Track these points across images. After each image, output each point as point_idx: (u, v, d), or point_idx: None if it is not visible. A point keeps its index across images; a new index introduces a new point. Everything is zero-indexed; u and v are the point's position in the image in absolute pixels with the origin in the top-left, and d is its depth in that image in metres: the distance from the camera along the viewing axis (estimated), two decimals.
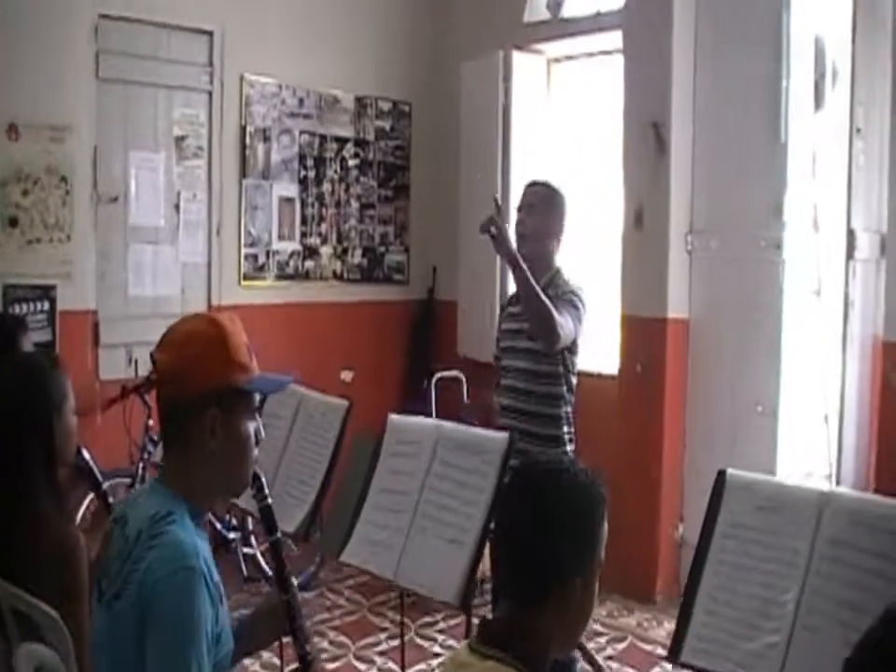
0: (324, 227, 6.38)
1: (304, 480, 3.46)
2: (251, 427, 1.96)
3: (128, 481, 4.92)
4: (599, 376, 5.74)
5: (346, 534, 3.12)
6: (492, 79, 6.10)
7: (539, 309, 3.49)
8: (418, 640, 5.09)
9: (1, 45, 4.98)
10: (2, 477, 2.37)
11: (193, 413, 1.88)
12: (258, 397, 2.01)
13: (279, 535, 2.26)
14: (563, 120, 6.34)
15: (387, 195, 6.69)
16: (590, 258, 6.13)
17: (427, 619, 5.35)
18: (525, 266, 3.48)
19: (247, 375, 1.93)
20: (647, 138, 5.40)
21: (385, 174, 6.65)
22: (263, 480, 2.22)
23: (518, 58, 6.12)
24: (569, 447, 3.77)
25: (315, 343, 6.22)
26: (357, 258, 6.56)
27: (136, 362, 5.43)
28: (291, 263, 6.25)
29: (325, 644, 5.05)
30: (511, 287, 4.11)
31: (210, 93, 5.83)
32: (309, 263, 6.33)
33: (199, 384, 1.88)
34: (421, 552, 2.87)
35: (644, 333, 5.48)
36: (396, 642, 5.08)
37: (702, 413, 5.45)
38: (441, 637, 5.20)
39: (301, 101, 6.19)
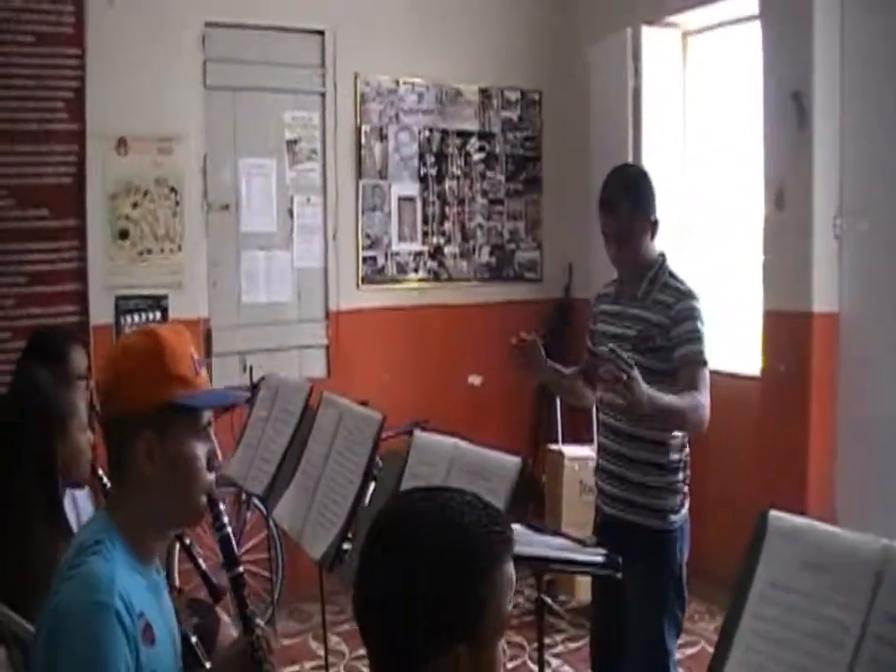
0: (447, 225, 6.03)
1: (337, 500, 3.15)
2: (198, 448, 1.75)
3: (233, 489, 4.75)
4: (739, 377, 5.17)
5: None
6: (620, 60, 5.57)
7: (684, 421, 3.05)
8: None
9: (109, 61, 4.89)
10: None
11: (127, 436, 1.70)
12: (207, 415, 1.78)
13: (240, 569, 2.02)
14: (700, 99, 5.72)
15: (517, 189, 6.25)
16: (731, 247, 5.53)
17: (547, 640, 4.93)
18: (661, 400, 2.91)
19: (188, 390, 1.73)
20: (787, 110, 4.76)
21: (513, 167, 6.22)
22: (222, 507, 2.02)
23: (649, 33, 5.54)
24: (682, 475, 3.23)
25: (441, 346, 5.89)
26: (484, 256, 6.17)
27: (251, 370, 5.26)
28: (413, 265, 5.93)
29: None
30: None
31: (323, 94, 5.58)
32: (432, 264, 6.00)
33: (131, 402, 1.70)
34: None
35: (788, 329, 4.84)
36: (509, 664, 4.74)
37: (855, 418, 4.74)
38: (555, 662, 4.79)
39: (419, 96, 5.86)
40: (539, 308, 6.25)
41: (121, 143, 4.97)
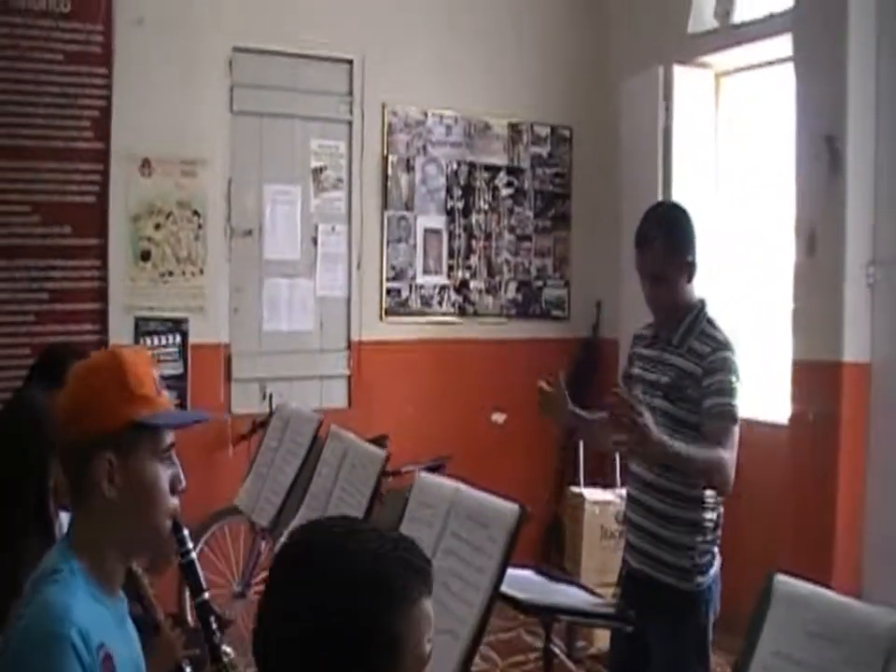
0: (473, 260, 5.90)
1: None
2: (160, 470, 1.67)
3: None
4: (767, 424, 4.98)
5: None
6: (651, 98, 5.44)
7: (705, 473, 2.84)
8: None
9: (136, 81, 4.84)
10: None
11: (87, 457, 1.62)
12: (169, 437, 1.70)
13: (206, 595, 1.97)
14: (732, 140, 5.58)
15: (545, 226, 6.11)
16: (761, 291, 5.36)
17: None
18: (675, 449, 2.74)
19: (150, 410, 1.65)
20: (820, 154, 4.61)
21: (542, 203, 6.09)
22: (186, 532, 1.95)
23: (681, 73, 5.41)
24: (709, 536, 3.00)
25: (465, 382, 5.74)
26: (510, 292, 6.03)
27: (270, 397, 5.16)
28: (438, 298, 5.80)
29: None
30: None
31: (350, 123, 5.50)
32: (457, 298, 5.86)
33: (90, 424, 1.62)
34: None
35: (817, 379, 4.64)
36: None
37: (886, 472, 4.54)
38: None
39: (448, 128, 5.75)
40: (565, 347, 6.08)
41: (145, 164, 4.91)
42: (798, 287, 4.76)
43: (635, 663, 3.02)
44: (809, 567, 4.32)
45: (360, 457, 3.20)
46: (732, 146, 5.58)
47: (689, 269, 3.01)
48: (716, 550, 3.02)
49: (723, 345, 2.93)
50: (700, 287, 5.31)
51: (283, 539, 1.37)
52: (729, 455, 2.79)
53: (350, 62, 5.46)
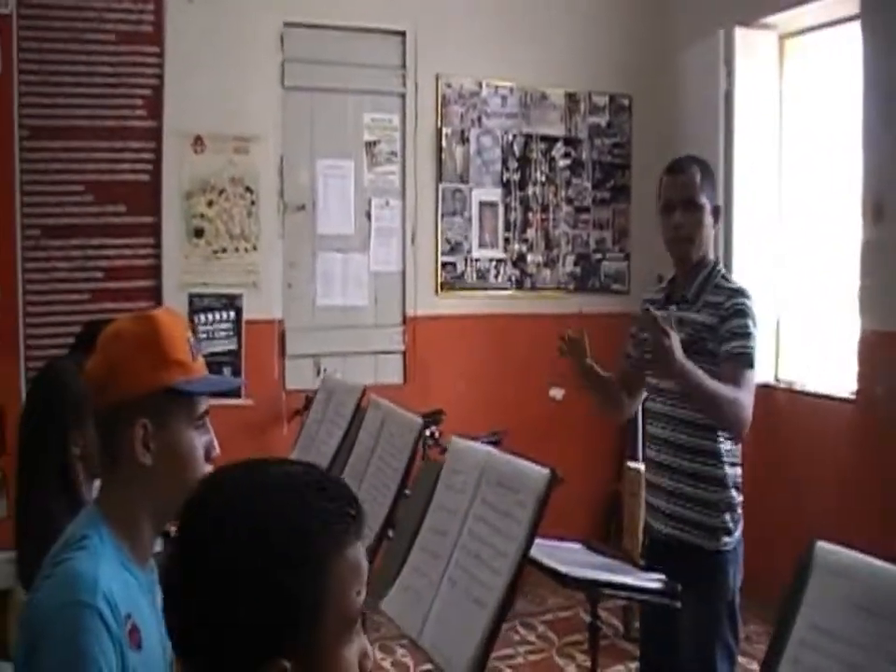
0: (530, 233, 5.68)
1: (374, 507, 2.89)
2: (195, 437, 1.61)
3: None
4: (832, 398, 4.72)
5: (395, 577, 2.48)
6: (712, 63, 5.15)
7: (719, 408, 2.76)
8: None
9: (187, 59, 4.76)
10: (21, 478, 2.26)
11: (121, 425, 1.55)
12: (204, 403, 1.63)
13: None
14: (798, 104, 5.25)
15: (604, 197, 5.86)
16: (827, 260, 5.05)
17: (619, 667, 4.56)
18: (696, 375, 2.70)
19: (186, 375, 1.59)
20: (889, 116, 4.32)
21: (601, 174, 5.83)
22: None
23: (742, 35, 5.10)
24: (735, 492, 2.92)
25: (522, 357, 5.54)
26: (568, 266, 5.80)
27: (324, 373, 5.04)
28: (494, 272, 5.61)
29: None
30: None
31: (403, 96, 5.32)
32: (514, 272, 5.66)
33: (125, 389, 1.55)
34: (446, 609, 2.20)
35: (885, 350, 4.38)
36: None
37: None
38: None
39: (503, 99, 5.53)
40: (625, 321, 5.78)
41: (198, 141, 4.82)
42: (865, 257, 4.51)
43: (665, 631, 2.91)
44: (871, 541, 4.09)
45: (398, 425, 3.08)
46: (796, 111, 5.25)
47: (716, 212, 2.98)
48: (740, 511, 2.93)
49: (738, 292, 2.87)
50: (764, 252, 5.07)
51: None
52: (745, 398, 2.74)
53: (403, 34, 5.29)
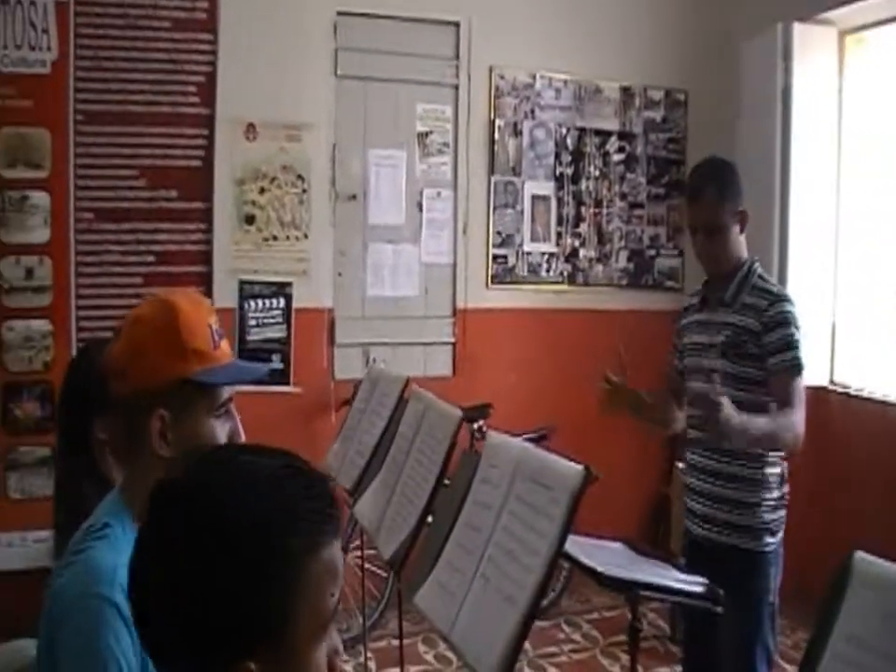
0: (583, 227, 5.54)
1: (413, 500, 2.79)
2: (216, 427, 1.56)
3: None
4: (889, 403, 4.55)
5: (430, 570, 2.38)
6: (770, 58, 4.97)
7: (781, 443, 2.78)
8: None
9: (239, 46, 4.72)
10: (56, 460, 2.25)
11: (140, 414, 1.52)
12: (226, 392, 1.59)
13: None
14: (857, 103, 5.04)
15: (658, 193, 5.70)
16: (887, 264, 4.85)
17: (664, 669, 4.42)
18: (752, 428, 2.65)
19: (205, 365, 1.54)
20: None
21: (655, 169, 5.68)
22: None
23: (801, 31, 4.92)
24: (777, 492, 2.84)
25: (573, 352, 5.39)
26: (621, 261, 5.65)
27: (374, 363, 4.95)
28: (545, 266, 5.48)
29: None
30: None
31: (456, 87, 5.22)
32: (566, 266, 5.53)
33: (143, 378, 1.51)
34: (477, 606, 2.11)
35: None
36: None
37: None
38: None
39: (557, 92, 5.41)
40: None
41: (250, 128, 4.77)
42: None
43: (707, 633, 2.85)
44: None
45: (438, 417, 2.98)
46: (857, 108, 5.05)
47: (741, 218, 2.90)
48: (784, 511, 2.86)
49: (780, 298, 2.82)
50: (818, 257, 4.87)
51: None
52: (799, 415, 2.71)
53: (457, 24, 5.19)
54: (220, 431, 1.57)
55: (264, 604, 0.96)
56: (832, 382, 5.02)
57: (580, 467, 2.05)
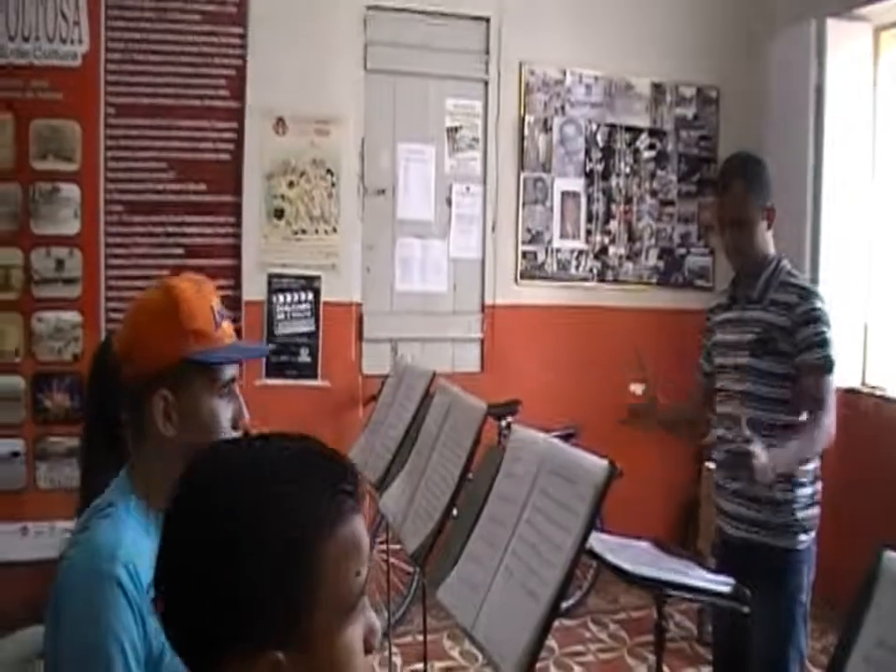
0: (613, 224, 5.47)
1: (437, 494, 2.74)
2: (219, 405, 1.58)
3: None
4: None
5: (453, 564, 2.32)
6: (803, 55, 4.88)
7: (813, 454, 2.74)
8: None
9: (269, 40, 4.69)
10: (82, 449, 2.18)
11: (144, 396, 1.54)
12: (228, 371, 1.60)
13: None
14: (892, 101, 4.93)
15: (689, 191, 5.61)
16: None
17: (691, 670, 4.34)
18: (790, 457, 2.66)
19: (204, 345, 1.56)
20: None
21: (686, 167, 5.59)
22: None
23: (835, 27, 4.83)
24: (809, 489, 2.78)
25: (601, 350, 5.32)
26: (652, 259, 5.57)
27: (400, 357, 4.90)
28: (575, 263, 5.41)
29: None
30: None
31: (486, 82, 5.17)
32: (595, 264, 5.45)
33: (146, 361, 1.54)
34: (500, 601, 2.07)
35: None
36: None
37: None
38: None
39: (587, 88, 5.34)
40: None
41: (280, 122, 4.73)
42: None
43: (738, 633, 2.79)
44: None
45: (463, 410, 2.94)
46: (892, 106, 4.93)
47: (768, 214, 2.85)
48: (817, 509, 2.80)
49: (811, 294, 2.77)
50: (851, 257, 4.77)
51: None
52: (830, 416, 2.66)
53: (487, 20, 5.14)
54: (223, 411, 1.58)
55: (285, 590, 0.93)
56: (863, 384, 4.91)
57: (604, 462, 2.00)
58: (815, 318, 2.71)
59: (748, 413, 2.76)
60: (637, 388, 5.47)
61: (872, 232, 4.96)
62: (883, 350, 4.91)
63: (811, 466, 2.76)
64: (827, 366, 2.69)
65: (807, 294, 2.75)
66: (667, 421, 3.14)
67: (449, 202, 5.15)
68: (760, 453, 2.49)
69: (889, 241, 4.92)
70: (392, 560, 4.28)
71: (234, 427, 1.59)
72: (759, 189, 2.83)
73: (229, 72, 4.64)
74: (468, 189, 5.17)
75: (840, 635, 1.36)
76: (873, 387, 4.87)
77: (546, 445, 2.20)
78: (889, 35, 4.93)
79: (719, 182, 2.93)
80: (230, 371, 1.59)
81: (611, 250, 5.48)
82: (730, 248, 2.89)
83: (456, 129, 5.13)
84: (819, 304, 2.73)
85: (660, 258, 5.59)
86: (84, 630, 1.38)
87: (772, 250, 2.88)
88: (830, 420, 2.65)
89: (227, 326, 1.62)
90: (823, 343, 2.69)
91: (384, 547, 4.32)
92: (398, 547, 4.09)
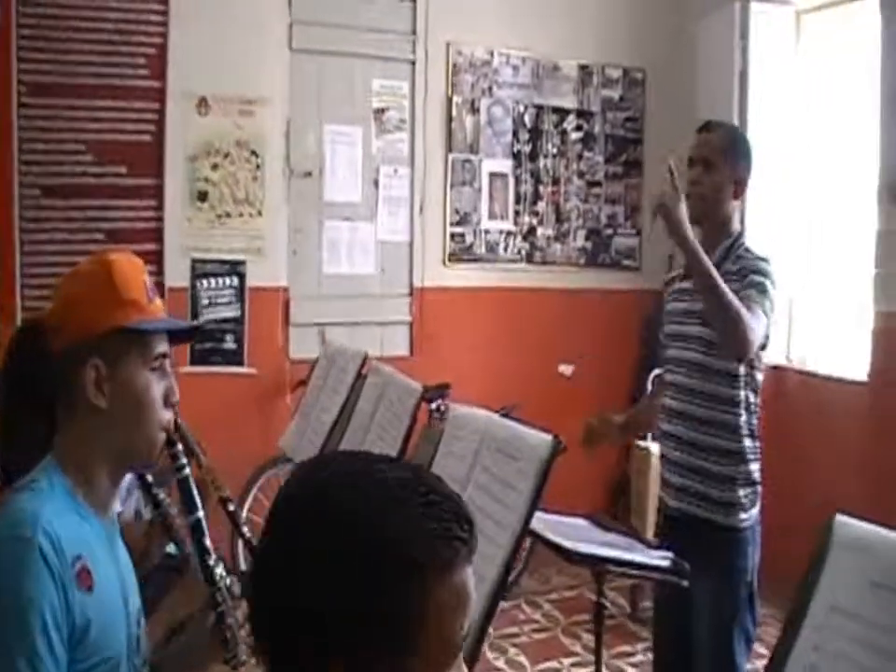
0: (541, 206, 5.48)
1: None
2: (151, 379, 1.55)
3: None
4: (846, 381, 4.52)
5: None
6: (727, 38, 4.94)
7: (724, 310, 2.53)
8: None
9: (191, 17, 4.57)
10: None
11: (75, 366, 1.49)
12: (161, 346, 1.57)
13: (200, 514, 1.76)
14: (813, 82, 5.03)
15: (616, 172, 5.65)
16: (839, 242, 4.85)
17: (626, 648, 4.39)
18: (705, 257, 2.55)
19: (140, 315, 1.53)
20: None
21: (613, 148, 5.63)
22: (180, 446, 1.75)
23: (758, 10, 4.90)
24: (754, 465, 2.77)
25: (530, 331, 5.36)
26: (579, 240, 5.59)
27: (326, 340, 4.85)
28: (503, 244, 5.41)
29: (500, 663, 4.22)
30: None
31: (413, 63, 5.13)
32: (524, 245, 5.46)
33: (78, 329, 1.50)
34: None
35: None
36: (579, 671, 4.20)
37: None
38: None
39: (515, 69, 5.33)
40: (636, 298, 5.60)
41: (202, 103, 4.64)
42: (882, 235, 4.32)
43: (680, 613, 2.74)
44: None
45: (398, 392, 2.90)
46: (812, 88, 5.04)
47: (739, 181, 2.81)
48: (759, 488, 2.78)
49: (759, 258, 2.73)
50: (774, 236, 4.85)
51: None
52: (753, 322, 2.55)
53: (414, 0, 5.07)
54: (156, 385, 1.55)
55: (388, 631, 0.89)
56: (788, 359, 5.01)
57: (548, 436, 1.98)
58: (757, 272, 2.67)
59: (694, 383, 2.75)
60: (565, 369, 5.56)
61: (795, 211, 5.05)
62: (807, 327, 5.02)
63: (749, 443, 2.75)
64: (761, 292, 2.63)
65: (756, 257, 2.73)
66: (626, 424, 3.09)
67: (376, 184, 5.10)
68: (682, 208, 2.53)
69: (810, 219, 5.02)
70: None
71: (166, 404, 1.57)
72: (736, 150, 2.81)
73: (149, 50, 4.52)
74: (395, 170, 5.13)
75: (793, 601, 1.36)
76: (798, 363, 4.97)
77: (487, 422, 2.18)
78: (809, 17, 5.02)
79: (697, 155, 2.83)
80: (162, 346, 1.56)
81: (539, 231, 5.50)
82: (693, 189, 2.79)
83: (383, 110, 5.08)
84: (764, 265, 2.69)
85: (587, 238, 5.63)
86: (5, 593, 1.33)
87: (736, 225, 2.86)
88: (753, 325, 2.54)
89: (159, 302, 1.60)
90: (761, 285, 2.64)
91: None
92: None
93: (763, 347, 2.72)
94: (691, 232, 2.57)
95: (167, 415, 1.58)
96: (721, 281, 2.53)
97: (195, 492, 1.77)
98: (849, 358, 4.62)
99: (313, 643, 0.90)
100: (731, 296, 2.52)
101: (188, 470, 1.77)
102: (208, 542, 1.72)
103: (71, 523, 1.44)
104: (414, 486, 0.95)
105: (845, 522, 1.36)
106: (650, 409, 3.11)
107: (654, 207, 2.61)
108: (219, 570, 1.70)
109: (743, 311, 2.51)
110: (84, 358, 1.49)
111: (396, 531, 0.91)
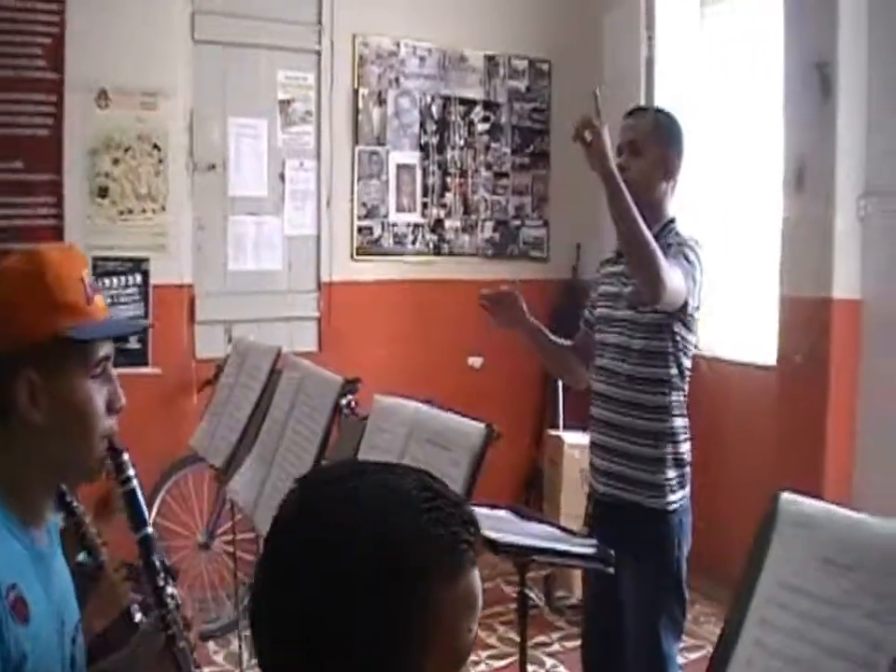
0: (449, 197, 5.50)
1: (292, 473, 2.68)
2: (92, 388, 1.41)
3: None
4: (755, 367, 4.69)
5: None
6: (633, 29, 5.05)
7: (639, 244, 2.53)
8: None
9: (89, 7, 4.43)
10: None
11: (6, 377, 1.35)
12: (103, 349, 1.43)
13: (149, 530, 1.59)
14: (718, 71, 5.16)
15: (523, 163, 5.70)
16: (747, 228, 4.99)
17: (543, 638, 4.46)
18: (623, 187, 2.54)
19: (77, 319, 1.39)
20: (810, 82, 4.24)
21: (520, 139, 5.68)
22: (126, 457, 1.54)
23: (663, 1, 5.02)
24: (683, 447, 2.81)
25: (440, 324, 5.37)
26: (487, 232, 5.64)
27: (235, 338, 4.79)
28: (411, 237, 5.41)
29: None
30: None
31: (319, 54, 5.08)
32: (432, 237, 5.48)
33: (8, 339, 1.35)
34: None
35: (806, 317, 4.32)
36: (499, 664, 4.25)
37: (878, 414, 4.21)
38: (550, 662, 4.31)
39: (421, 60, 5.33)
40: (544, 288, 5.67)
41: (102, 95, 4.51)
42: (786, 222, 4.43)
43: (610, 601, 2.80)
44: None
45: (317, 385, 2.88)
46: (717, 77, 5.17)
47: (668, 165, 2.85)
48: (688, 469, 2.82)
49: (686, 240, 2.78)
50: (684, 222, 4.95)
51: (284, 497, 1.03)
52: (673, 271, 2.58)
53: None
54: (97, 395, 1.42)
55: (397, 638, 0.89)
56: (696, 347, 5.13)
57: (481, 425, 2.01)
58: (682, 253, 2.70)
59: (621, 366, 2.78)
60: (475, 361, 5.60)
61: (701, 200, 5.18)
62: (715, 314, 5.16)
63: (680, 423, 2.78)
64: (687, 266, 2.66)
65: (683, 239, 2.77)
66: (537, 328, 3.08)
67: (282, 177, 5.04)
68: (605, 137, 2.53)
69: (722, 207, 5.15)
70: (238, 552, 4.17)
71: (109, 412, 1.45)
72: (664, 134, 2.84)
73: (45, 40, 4.34)
74: (301, 163, 5.08)
75: (742, 580, 1.39)
76: (707, 350, 5.11)
77: (415, 412, 2.19)
78: (712, 8, 5.15)
79: (624, 139, 2.86)
80: (105, 348, 1.44)
81: (447, 223, 5.51)
82: (621, 175, 2.76)
83: (289, 102, 5.01)
84: (689, 249, 2.73)
85: (495, 230, 5.67)
86: None
87: (669, 210, 2.88)
88: (671, 274, 2.56)
89: (99, 300, 1.45)
90: (685, 255, 2.69)
91: (229, 538, 4.22)
92: (244, 537, 4.04)
93: (686, 325, 2.77)
94: (612, 162, 2.56)
95: (110, 423, 1.45)
96: (639, 218, 2.54)
97: (143, 506, 1.63)
98: (760, 344, 4.75)
99: (321, 656, 0.90)
100: (649, 236, 2.53)
101: (135, 483, 1.61)
102: (157, 561, 1.59)
103: (4, 549, 1.34)
104: (415, 493, 0.94)
105: (791, 499, 1.40)
106: (558, 349, 3.11)
107: (574, 134, 2.59)
108: (170, 590, 1.57)
109: (660, 253, 2.54)
110: (16, 370, 1.35)
111: (401, 541, 0.91)
